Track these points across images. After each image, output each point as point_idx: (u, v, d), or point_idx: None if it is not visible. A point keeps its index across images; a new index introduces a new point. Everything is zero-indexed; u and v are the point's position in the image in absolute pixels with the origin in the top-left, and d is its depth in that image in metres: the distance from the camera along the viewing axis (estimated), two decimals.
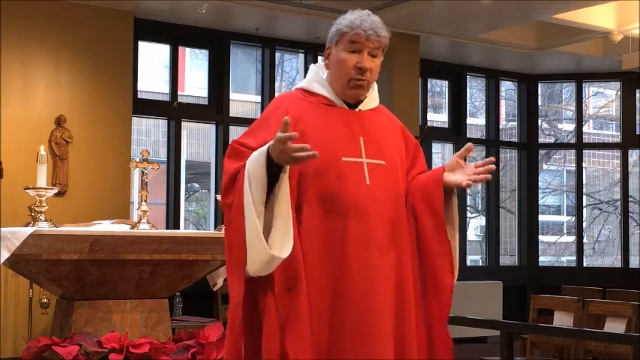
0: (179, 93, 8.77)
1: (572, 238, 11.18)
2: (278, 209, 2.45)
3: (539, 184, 11.12)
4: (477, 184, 2.68)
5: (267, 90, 9.08)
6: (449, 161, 2.71)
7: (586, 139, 11.25)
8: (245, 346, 2.54)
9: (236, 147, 2.59)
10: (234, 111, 9.17)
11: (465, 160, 2.72)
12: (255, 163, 2.46)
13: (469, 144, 2.71)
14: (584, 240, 11.15)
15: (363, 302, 2.54)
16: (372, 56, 2.66)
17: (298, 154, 2.39)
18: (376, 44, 2.66)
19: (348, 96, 2.71)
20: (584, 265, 10.87)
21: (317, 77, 2.75)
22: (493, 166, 2.66)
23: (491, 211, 10.69)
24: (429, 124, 10.22)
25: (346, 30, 2.65)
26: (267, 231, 2.44)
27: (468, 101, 10.95)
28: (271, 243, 2.42)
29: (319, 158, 2.50)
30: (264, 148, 2.46)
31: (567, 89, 11.77)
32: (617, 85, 11.17)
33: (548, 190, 12.00)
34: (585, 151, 11.09)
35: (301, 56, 9.47)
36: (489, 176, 2.66)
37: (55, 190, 5.42)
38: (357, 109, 2.73)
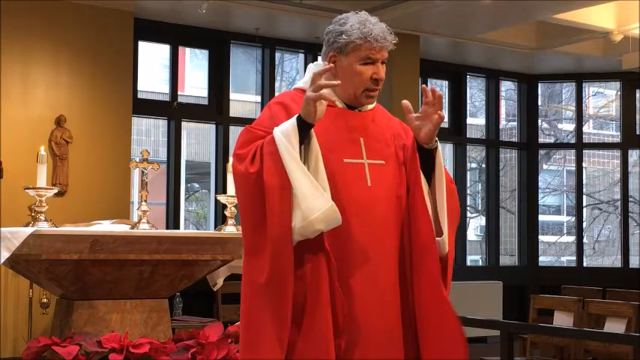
0: (179, 93, 8.77)
1: (572, 238, 11.18)
2: (316, 165, 2.49)
3: (539, 184, 11.12)
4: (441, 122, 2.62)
5: (267, 90, 9.08)
6: (412, 129, 2.66)
7: (586, 139, 11.25)
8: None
9: (255, 130, 2.61)
10: (234, 111, 9.17)
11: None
12: (286, 125, 2.50)
13: (404, 101, 2.63)
14: (584, 240, 11.15)
15: (370, 303, 2.54)
16: (382, 63, 2.68)
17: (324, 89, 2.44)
18: (387, 53, 2.67)
19: (357, 104, 2.71)
20: (584, 265, 10.87)
21: None
22: (439, 93, 2.61)
23: (491, 211, 10.69)
24: None
25: (359, 42, 2.62)
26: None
27: (468, 101, 10.95)
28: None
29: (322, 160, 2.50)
30: (294, 117, 2.50)
31: (567, 89, 11.77)
32: (617, 85, 11.17)
33: (548, 190, 11.99)
34: (585, 151, 11.09)
35: (301, 56, 9.47)
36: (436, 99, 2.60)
37: (55, 190, 5.41)
38: (356, 110, 2.73)
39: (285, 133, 2.48)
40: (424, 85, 2.66)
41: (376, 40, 2.62)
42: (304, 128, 2.48)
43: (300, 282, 2.48)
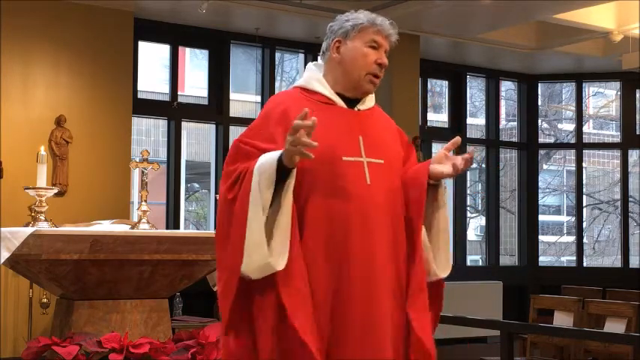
0: (179, 93, 8.77)
1: (572, 238, 11.18)
2: (280, 221, 2.47)
3: (539, 184, 11.13)
4: (464, 171, 2.67)
5: (267, 90, 9.08)
6: (436, 154, 2.72)
7: (586, 139, 11.26)
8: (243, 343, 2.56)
9: (243, 147, 2.60)
10: (234, 111, 9.17)
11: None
12: (266, 167, 2.47)
13: (457, 138, 2.71)
14: (584, 240, 11.16)
15: (365, 301, 2.54)
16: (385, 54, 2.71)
17: (303, 148, 2.38)
18: (390, 45, 2.71)
19: (359, 91, 2.70)
20: (584, 265, 10.88)
21: (316, 75, 2.75)
22: (470, 155, 2.64)
23: (492, 211, 10.70)
24: (429, 124, 10.22)
25: (368, 25, 2.67)
26: (268, 235, 2.47)
27: (468, 101, 10.95)
28: (271, 250, 2.45)
29: (321, 158, 2.50)
30: (277, 154, 2.47)
31: (567, 89, 11.78)
32: (617, 85, 11.18)
33: (548, 190, 12.00)
34: (585, 151, 11.10)
35: (301, 56, 9.48)
36: (469, 164, 2.66)
37: (55, 190, 5.42)
38: (355, 109, 2.73)
39: (262, 170, 2.47)
40: (472, 150, 2.74)
41: (384, 27, 2.68)
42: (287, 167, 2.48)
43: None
